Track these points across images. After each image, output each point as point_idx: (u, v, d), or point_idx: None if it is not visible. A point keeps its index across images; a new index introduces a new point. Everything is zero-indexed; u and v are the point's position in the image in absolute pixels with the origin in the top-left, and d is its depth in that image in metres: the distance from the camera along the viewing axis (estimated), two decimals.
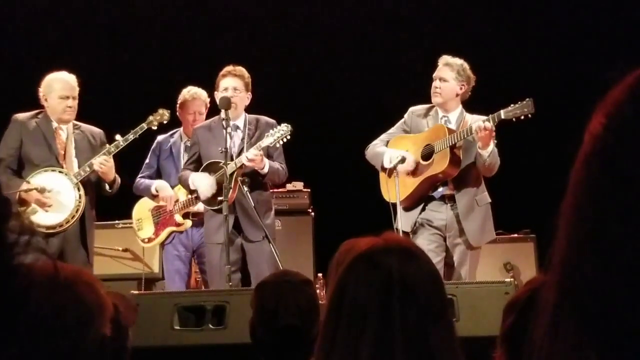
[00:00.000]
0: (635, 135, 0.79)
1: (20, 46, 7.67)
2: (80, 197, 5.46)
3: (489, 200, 5.34)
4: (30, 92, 5.62)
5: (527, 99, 5.02)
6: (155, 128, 5.76)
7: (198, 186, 5.42)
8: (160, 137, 6.15)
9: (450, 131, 5.22)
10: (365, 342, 1.34)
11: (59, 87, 5.54)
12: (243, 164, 5.22)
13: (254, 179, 5.35)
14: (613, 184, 0.79)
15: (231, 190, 5.17)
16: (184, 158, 5.95)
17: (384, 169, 5.41)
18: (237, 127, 5.45)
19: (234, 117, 5.43)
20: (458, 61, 5.35)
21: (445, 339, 1.39)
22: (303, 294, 2.59)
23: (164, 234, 5.99)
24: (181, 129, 6.13)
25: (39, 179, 5.46)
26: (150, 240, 6.07)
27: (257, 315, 2.60)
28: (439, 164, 5.20)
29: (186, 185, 5.58)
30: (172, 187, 5.96)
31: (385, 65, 7.54)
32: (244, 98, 5.42)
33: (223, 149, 5.19)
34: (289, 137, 5.22)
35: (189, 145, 5.72)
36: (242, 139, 5.39)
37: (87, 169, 5.50)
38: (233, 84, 5.40)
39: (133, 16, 7.82)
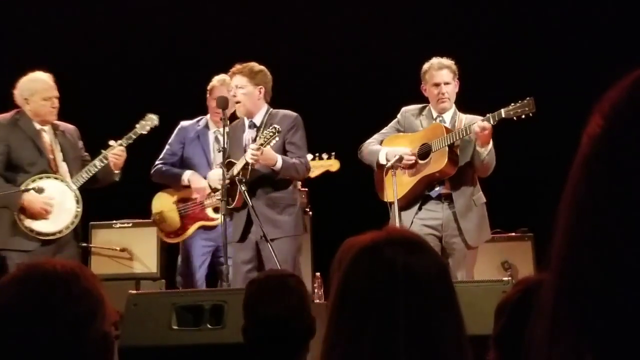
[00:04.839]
0: (635, 137, 0.78)
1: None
2: (79, 205, 5.35)
3: (485, 200, 5.34)
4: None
5: (528, 98, 5.01)
6: (145, 133, 5.53)
7: (210, 182, 5.52)
8: (185, 123, 5.93)
9: (448, 130, 5.21)
10: (368, 333, 1.33)
11: (43, 87, 5.35)
12: (247, 162, 5.14)
13: (267, 177, 5.28)
14: (614, 186, 0.78)
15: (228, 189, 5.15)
16: (214, 148, 5.79)
17: (379, 166, 5.37)
18: (254, 125, 5.40)
19: (247, 114, 5.39)
20: (449, 61, 5.36)
21: (450, 331, 1.38)
22: (287, 288, 2.63)
23: (192, 228, 5.76)
24: (208, 116, 5.91)
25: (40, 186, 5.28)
26: (176, 234, 5.82)
27: (244, 311, 2.64)
28: (437, 163, 5.18)
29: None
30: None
31: (385, 64, 7.53)
32: (250, 93, 5.33)
33: (220, 149, 5.18)
34: (276, 139, 5.09)
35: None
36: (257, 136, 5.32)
37: (92, 169, 5.40)
38: (235, 82, 5.36)
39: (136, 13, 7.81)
